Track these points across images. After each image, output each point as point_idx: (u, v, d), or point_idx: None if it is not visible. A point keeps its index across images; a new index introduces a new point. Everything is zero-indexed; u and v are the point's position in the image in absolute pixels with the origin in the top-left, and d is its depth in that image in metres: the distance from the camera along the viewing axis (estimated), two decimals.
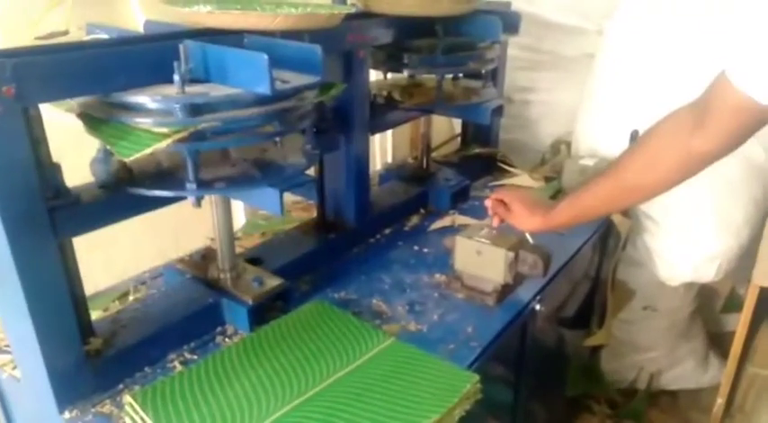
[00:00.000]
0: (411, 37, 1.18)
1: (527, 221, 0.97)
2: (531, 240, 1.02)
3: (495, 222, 1.00)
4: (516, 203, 0.98)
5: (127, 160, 0.68)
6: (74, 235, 0.75)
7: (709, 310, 1.80)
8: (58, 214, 0.70)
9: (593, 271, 1.46)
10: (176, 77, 0.70)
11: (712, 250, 1.43)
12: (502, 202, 1.00)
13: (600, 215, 1.00)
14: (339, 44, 0.98)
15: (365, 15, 1.08)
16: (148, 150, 0.67)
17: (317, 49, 0.76)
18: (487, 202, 1.01)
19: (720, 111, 0.69)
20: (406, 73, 1.26)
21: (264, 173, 0.84)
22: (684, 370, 1.77)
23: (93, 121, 0.73)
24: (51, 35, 0.94)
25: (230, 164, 0.84)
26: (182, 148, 0.73)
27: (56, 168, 0.71)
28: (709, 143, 0.73)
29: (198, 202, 0.80)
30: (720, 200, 1.40)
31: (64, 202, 0.72)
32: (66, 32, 0.96)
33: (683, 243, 1.45)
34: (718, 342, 1.80)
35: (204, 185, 0.77)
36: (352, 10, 0.90)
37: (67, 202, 0.72)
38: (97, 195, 0.78)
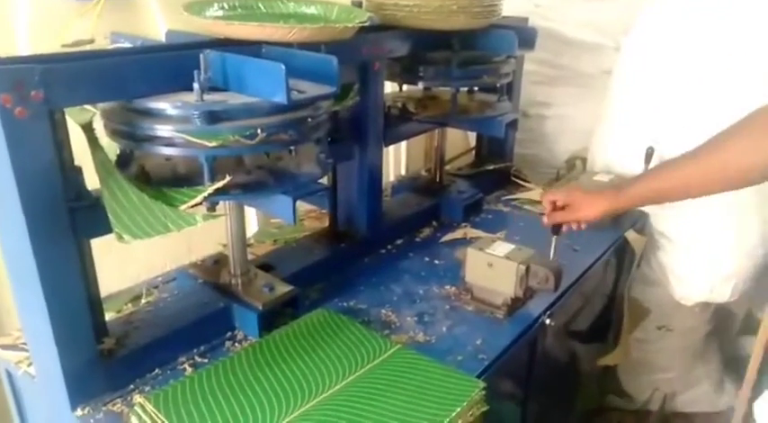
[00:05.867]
0: (427, 50, 1.20)
1: (594, 208, 0.95)
2: (552, 254, 1.03)
3: (546, 221, 1.01)
4: (574, 195, 0.97)
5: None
6: (93, 236, 0.77)
7: (725, 332, 1.77)
8: (78, 215, 0.72)
9: (609, 288, 1.45)
10: (196, 85, 0.72)
11: (728, 270, 1.41)
12: (554, 204, 0.99)
13: (671, 199, 0.97)
14: (355, 55, 1.00)
15: (381, 28, 1.10)
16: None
17: (333, 60, 0.77)
18: (545, 204, 1.01)
19: None
20: (421, 85, 1.28)
21: (278, 181, 0.85)
22: (699, 392, 1.73)
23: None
24: (77, 43, 0.97)
25: (245, 171, 0.86)
26: (199, 153, 0.75)
27: (77, 171, 0.73)
28: None
29: (213, 208, 0.81)
30: (736, 219, 1.38)
31: (85, 204, 0.73)
32: (91, 41, 0.99)
33: (698, 262, 1.44)
34: (734, 365, 1.76)
35: (219, 191, 0.78)
36: (367, 22, 0.92)
37: (88, 203, 0.74)
38: None
